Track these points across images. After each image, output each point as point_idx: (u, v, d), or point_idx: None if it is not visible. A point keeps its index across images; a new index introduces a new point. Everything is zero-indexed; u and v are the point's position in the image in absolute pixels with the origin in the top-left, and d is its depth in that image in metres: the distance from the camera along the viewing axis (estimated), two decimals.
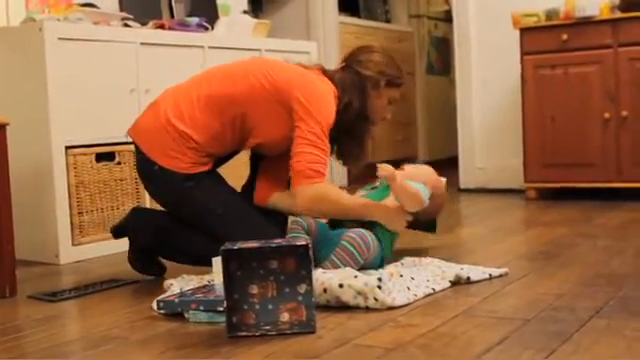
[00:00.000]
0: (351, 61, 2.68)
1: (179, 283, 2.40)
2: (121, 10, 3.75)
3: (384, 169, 2.37)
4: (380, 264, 2.44)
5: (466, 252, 2.95)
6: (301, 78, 2.52)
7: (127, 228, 2.69)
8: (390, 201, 2.50)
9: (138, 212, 2.73)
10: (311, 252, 1.87)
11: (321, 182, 2.42)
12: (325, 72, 2.63)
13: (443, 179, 2.81)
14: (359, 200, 2.53)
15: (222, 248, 1.86)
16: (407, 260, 2.57)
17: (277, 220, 2.61)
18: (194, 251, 2.53)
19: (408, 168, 2.68)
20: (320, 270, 2.18)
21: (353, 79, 2.61)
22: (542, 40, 4.28)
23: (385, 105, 2.71)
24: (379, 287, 2.05)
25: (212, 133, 2.49)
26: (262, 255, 1.93)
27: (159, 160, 2.48)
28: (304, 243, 1.88)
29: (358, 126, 2.64)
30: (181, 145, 2.47)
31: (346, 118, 2.55)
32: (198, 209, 2.50)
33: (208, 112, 2.48)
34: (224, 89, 2.50)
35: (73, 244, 3.12)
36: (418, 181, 2.57)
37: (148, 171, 2.53)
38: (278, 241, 1.95)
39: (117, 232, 2.74)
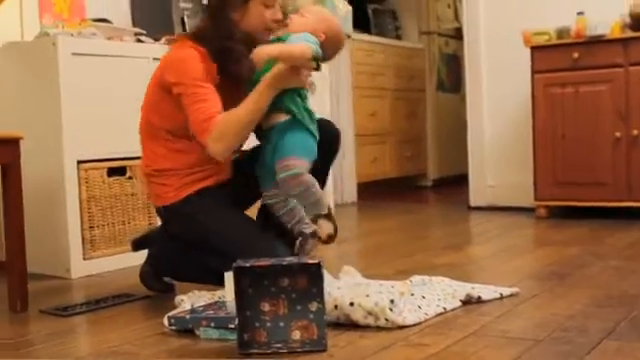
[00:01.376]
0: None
1: (190, 299, 2.40)
2: (134, 25, 3.77)
3: (256, 55, 2.28)
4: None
5: (476, 271, 2.94)
6: (162, 62, 2.51)
7: (148, 242, 2.70)
8: (276, 67, 2.36)
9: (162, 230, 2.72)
10: (324, 270, 1.87)
11: (214, 123, 2.32)
12: (192, 36, 2.52)
13: (335, 19, 2.63)
14: (249, 99, 2.35)
15: (234, 265, 1.86)
16: (416, 278, 2.55)
17: (284, 239, 2.59)
18: (210, 269, 2.51)
19: (293, 19, 2.50)
20: (334, 282, 2.18)
21: (211, 22, 2.50)
22: (553, 58, 4.28)
23: (261, 13, 2.49)
24: (390, 309, 2.05)
25: (169, 149, 2.48)
26: (274, 273, 1.93)
27: (156, 203, 2.55)
28: (316, 261, 1.89)
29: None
30: (159, 178, 2.49)
31: (237, 54, 2.42)
32: (202, 231, 2.47)
33: (148, 139, 2.53)
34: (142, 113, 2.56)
35: (84, 258, 3.13)
36: (304, 32, 2.44)
37: (161, 218, 2.60)
38: (290, 259, 1.95)
39: (137, 245, 2.75)
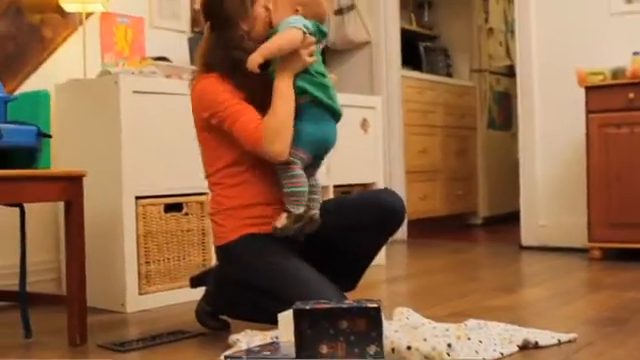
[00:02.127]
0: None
1: (244, 338, 2.41)
2: (192, 63, 3.84)
3: (250, 65, 2.34)
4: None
5: (531, 315, 2.91)
6: (191, 105, 2.55)
7: (206, 280, 2.73)
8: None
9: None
10: (382, 314, 1.87)
11: (262, 129, 2.37)
12: (203, 67, 2.55)
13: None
14: (275, 96, 2.40)
15: (294, 307, 1.87)
16: (471, 322, 2.52)
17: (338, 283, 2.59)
18: (263, 309, 2.52)
19: (270, 12, 2.52)
20: (391, 325, 2.17)
21: (215, 41, 2.52)
22: (608, 99, 4.25)
23: (263, 15, 2.52)
24: (448, 353, 2.04)
25: (227, 186, 2.52)
26: (333, 315, 1.94)
27: (214, 242, 2.60)
28: (375, 305, 1.89)
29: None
30: (218, 217, 2.55)
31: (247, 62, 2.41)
32: (253, 274, 2.47)
33: (211, 182, 2.58)
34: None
35: (140, 293, 3.17)
36: (290, 17, 2.44)
37: (217, 257, 2.63)
38: (348, 302, 1.96)
39: (196, 282, 2.79)
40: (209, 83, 2.47)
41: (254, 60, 2.35)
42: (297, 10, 2.44)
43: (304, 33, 2.38)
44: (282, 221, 2.40)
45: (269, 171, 2.47)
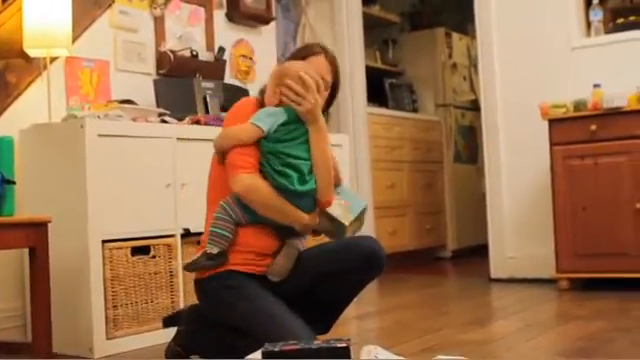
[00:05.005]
0: None
1: None
2: (158, 106, 3.85)
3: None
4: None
5: (502, 349, 2.91)
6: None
7: (179, 320, 2.70)
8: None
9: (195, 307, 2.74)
10: (352, 352, 1.87)
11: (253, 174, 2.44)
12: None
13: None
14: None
15: (263, 350, 1.86)
16: (440, 358, 2.51)
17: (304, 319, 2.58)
18: (234, 349, 2.50)
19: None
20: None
21: None
22: (571, 131, 4.31)
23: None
24: None
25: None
26: (303, 356, 1.93)
27: (195, 276, 2.58)
28: (345, 345, 1.89)
29: None
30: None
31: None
32: (227, 309, 2.47)
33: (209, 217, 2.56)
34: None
35: (107, 338, 3.13)
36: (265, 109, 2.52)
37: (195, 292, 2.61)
38: (318, 342, 1.95)
39: (168, 322, 2.76)
40: (241, 103, 2.62)
41: (217, 146, 2.50)
42: (281, 94, 2.48)
43: (262, 131, 2.43)
44: (194, 255, 2.47)
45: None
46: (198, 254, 2.47)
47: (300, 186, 2.42)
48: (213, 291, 2.49)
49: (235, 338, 2.46)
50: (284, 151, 2.44)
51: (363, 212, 2.58)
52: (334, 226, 2.54)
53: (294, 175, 2.43)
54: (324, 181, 2.49)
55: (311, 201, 2.50)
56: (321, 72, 2.59)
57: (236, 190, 2.43)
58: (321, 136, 2.50)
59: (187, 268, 2.50)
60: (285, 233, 2.51)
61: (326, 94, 2.64)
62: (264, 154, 2.45)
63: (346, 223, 2.52)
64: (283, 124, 2.45)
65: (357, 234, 2.62)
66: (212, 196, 2.58)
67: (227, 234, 2.44)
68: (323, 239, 2.75)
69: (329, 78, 2.64)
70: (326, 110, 2.67)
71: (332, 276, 2.50)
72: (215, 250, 2.43)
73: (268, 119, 2.44)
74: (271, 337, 2.14)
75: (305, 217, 2.49)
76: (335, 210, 2.53)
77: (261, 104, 2.55)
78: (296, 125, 2.47)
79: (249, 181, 2.42)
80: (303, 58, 2.63)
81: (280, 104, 2.48)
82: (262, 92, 2.59)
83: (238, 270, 2.48)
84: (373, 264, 2.55)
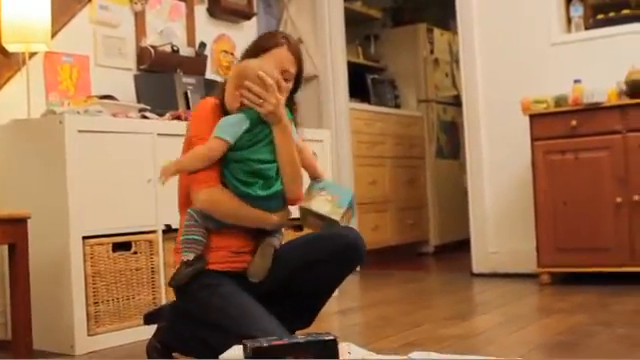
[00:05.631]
0: None
1: None
2: (138, 101, 3.83)
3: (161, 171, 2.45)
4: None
5: (483, 342, 2.93)
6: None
7: (160, 316, 2.69)
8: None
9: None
10: (338, 346, 1.87)
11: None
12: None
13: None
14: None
15: (250, 346, 1.86)
16: (416, 354, 2.42)
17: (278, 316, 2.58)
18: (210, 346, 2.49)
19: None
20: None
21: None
22: (552, 126, 4.33)
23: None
24: None
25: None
26: (291, 350, 1.92)
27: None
28: (332, 337, 1.89)
29: None
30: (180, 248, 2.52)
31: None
32: (203, 305, 2.46)
33: (183, 212, 2.55)
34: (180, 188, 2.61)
35: (89, 334, 3.12)
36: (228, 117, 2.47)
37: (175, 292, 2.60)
38: (303, 337, 1.95)
39: (149, 318, 2.74)
40: (201, 105, 2.55)
41: (166, 171, 2.43)
42: (241, 97, 2.43)
43: (228, 144, 2.40)
44: (174, 270, 2.46)
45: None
46: (177, 266, 2.46)
47: (264, 191, 2.42)
48: (189, 289, 2.48)
49: (213, 335, 2.45)
50: (250, 157, 2.42)
51: (352, 202, 2.57)
52: (325, 224, 2.53)
53: (259, 182, 2.42)
54: (291, 180, 2.48)
55: (279, 201, 2.49)
56: (284, 64, 2.55)
57: (198, 206, 2.43)
58: (286, 135, 2.47)
59: (172, 284, 2.47)
60: (258, 230, 2.51)
61: (290, 85, 2.61)
62: (229, 163, 2.43)
63: (337, 218, 2.50)
64: (247, 130, 2.42)
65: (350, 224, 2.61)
66: (182, 201, 2.57)
67: (200, 238, 2.44)
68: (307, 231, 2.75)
69: (293, 70, 2.59)
70: (291, 100, 2.64)
71: (310, 267, 2.49)
72: (191, 256, 2.42)
73: (231, 129, 2.41)
74: (245, 334, 2.15)
75: (273, 218, 2.49)
76: (323, 207, 2.52)
77: (221, 104, 2.50)
78: (260, 127, 2.43)
79: (210, 197, 2.42)
80: (266, 50, 2.58)
81: (241, 107, 2.45)
82: (222, 90, 2.53)
83: (214, 269, 2.47)
84: (354, 252, 2.52)
